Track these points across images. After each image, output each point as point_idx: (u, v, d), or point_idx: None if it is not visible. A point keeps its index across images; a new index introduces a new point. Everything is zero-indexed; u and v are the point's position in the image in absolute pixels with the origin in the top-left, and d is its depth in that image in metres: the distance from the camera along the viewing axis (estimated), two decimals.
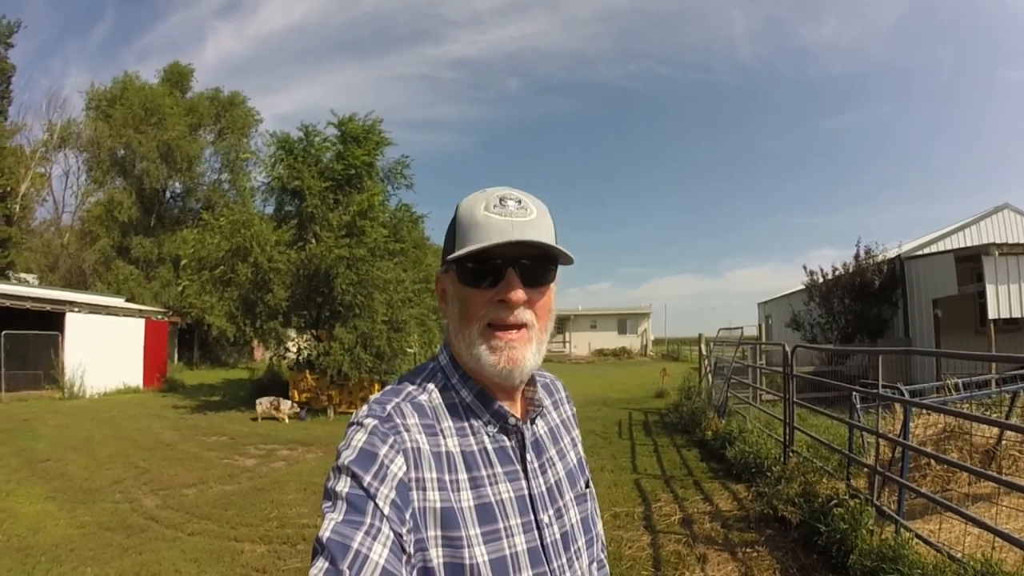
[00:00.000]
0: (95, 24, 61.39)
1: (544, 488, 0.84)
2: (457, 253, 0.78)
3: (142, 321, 19.34)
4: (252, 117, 31.51)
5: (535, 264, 0.81)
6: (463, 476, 0.77)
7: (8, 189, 25.64)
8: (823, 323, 15.44)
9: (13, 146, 27.41)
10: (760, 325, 12.43)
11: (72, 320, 16.57)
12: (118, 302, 21.39)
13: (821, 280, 15.86)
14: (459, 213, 0.82)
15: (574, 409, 1.07)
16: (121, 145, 27.27)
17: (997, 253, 11.91)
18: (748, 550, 4.46)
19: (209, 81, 65.51)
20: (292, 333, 13.87)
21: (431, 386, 0.83)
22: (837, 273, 15.42)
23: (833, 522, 4.18)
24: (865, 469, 4.73)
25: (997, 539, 3.18)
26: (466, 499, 0.75)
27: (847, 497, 4.49)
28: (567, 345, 37.25)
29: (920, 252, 15.34)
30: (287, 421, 11.38)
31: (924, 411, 5.06)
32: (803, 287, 17.19)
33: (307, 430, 10.71)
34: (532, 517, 0.80)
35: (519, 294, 0.79)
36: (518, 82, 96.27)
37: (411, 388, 0.83)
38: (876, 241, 15.82)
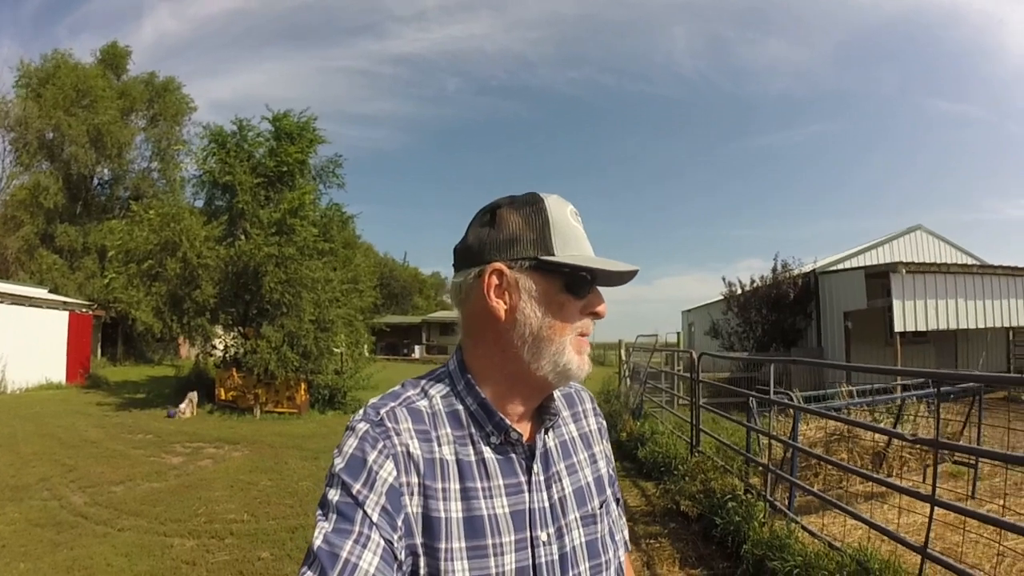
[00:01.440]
0: None
1: (547, 504, 0.80)
2: (594, 264, 0.78)
3: (66, 314, 18.54)
4: (186, 104, 30.44)
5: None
6: (455, 486, 0.74)
7: None
8: (740, 332, 16.25)
9: None
10: (679, 333, 13.00)
11: None
12: (41, 293, 20.38)
13: (739, 291, 16.69)
14: (552, 213, 0.81)
15: (603, 423, 1.01)
16: (50, 127, 25.89)
17: (904, 271, 12.85)
18: (651, 542, 4.78)
19: (145, 62, 62.80)
20: (219, 330, 13.63)
21: (433, 392, 0.81)
22: (755, 285, 16.25)
23: (728, 515, 4.55)
24: (760, 468, 5.11)
25: (883, 534, 3.54)
26: (455, 510, 0.73)
27: (742, 493, 4.86)
28: None
29: (834, 268, 16.39)
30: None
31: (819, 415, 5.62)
32: (722, 297, 18.04)
33: (234, 428, 10.64)
34: (528, 534, 0.76)
35: (606, 307, 0.83)
36: (458, 82, 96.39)
37: (411, 392, 0.81)
38: (793, 256, 16.83)
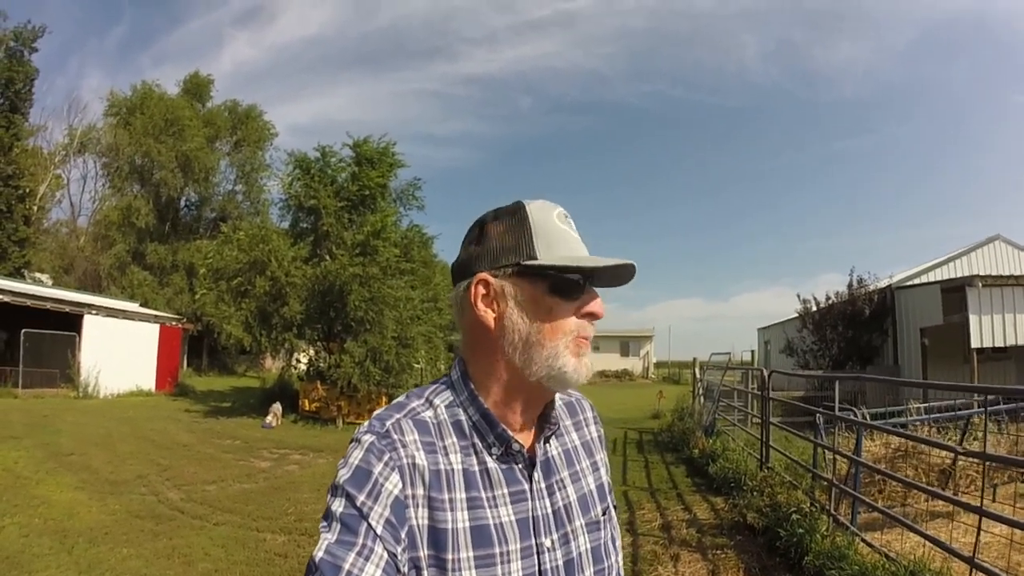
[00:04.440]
0: (113, 27, 62.63)
1: (550, 511, 0.81)
2: (579, 263, 0.78)
3: (156, 326, 19.98)
4: (268, 131, 32.41)
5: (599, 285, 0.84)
6: (461, 496, 0.75)
7: (27, 190, 26.40)
8: (815, 350, 15.93)
9: (32, 147, 28.25)
10: (753, 351, 12.87)
11: (89, 322, 17.21)
12: (133, 306, 22.05)
13: (814, 308, 16.37)
14: (534, 218, 0.80)
15: (602, 431, 1.01)
16: (140, 153, 28.11)
17: (980, 284, 12.40)
18: (718, 552, 4.88)
19: (224, 88, 66.56)
20: (304, 345, 14.45)
21: (438, 401, 0.81)
22: (830, 302, 15.92)
23: (791, 528, 4.65)
24: (825, 483, 5.18)
25: (934, 544, 3.59)
26: (461, 520, 0.73)
27: (807, 507, 4.95)
28: None
29: (909, 283, 15.90)
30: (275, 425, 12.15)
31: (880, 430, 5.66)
32: (797, 315, 17.74)
33: (317, 437, 11.24)
34: (533, 541, 0.77)
35: (603, 308, 0.81)
36: (531, 100, 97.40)
37: (416, 404, 0.81)
38: (869, 271, 16.37)
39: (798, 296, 17.17)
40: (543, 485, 0.82)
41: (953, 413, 6.28)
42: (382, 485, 0.71)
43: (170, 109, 28.47)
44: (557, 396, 0.90)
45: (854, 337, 15.01)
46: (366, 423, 0.79)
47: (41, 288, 20.29)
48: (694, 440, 9.17)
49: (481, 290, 0.80)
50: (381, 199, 13.69)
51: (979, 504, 3.15)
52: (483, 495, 0.76)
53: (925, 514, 5.16)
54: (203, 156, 28.45)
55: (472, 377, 0.82)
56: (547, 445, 0.86)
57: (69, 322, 16.99)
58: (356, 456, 0.73)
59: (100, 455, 8.49)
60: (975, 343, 12.21)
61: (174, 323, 21.33)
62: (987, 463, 5.23)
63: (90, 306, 17.94)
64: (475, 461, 0.78)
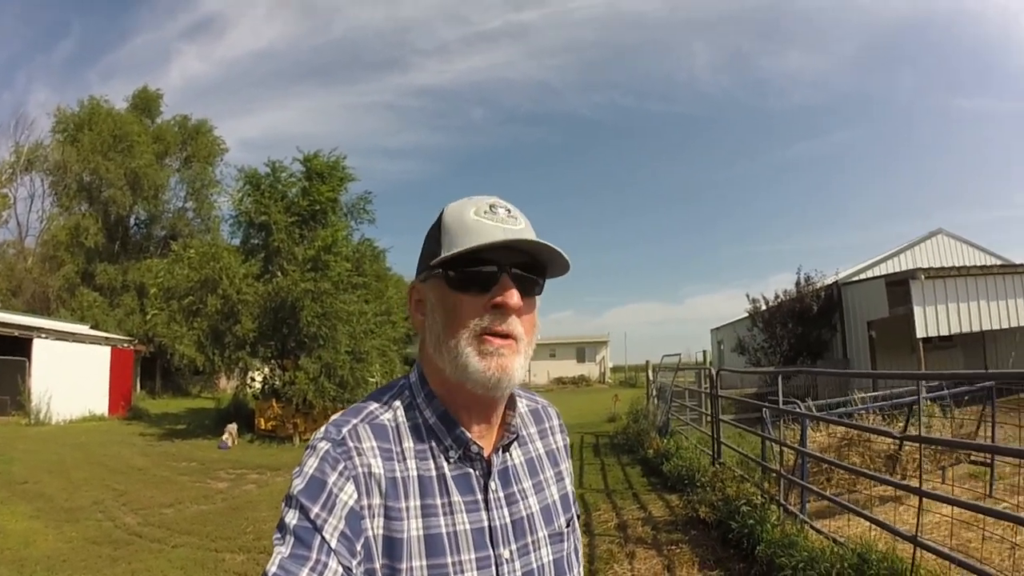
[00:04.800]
0: (60, 41, 60.67)
1: (509, 521, 0.79)
2: (448, 253, 0.75)
3: (108, 348, 19.31)
4: (218, 146, 31.72)
5: (526, 273, 0.79)
6: (416, 503, 0.73)
7: None
8: (766, 347, 16.36)
9: None
10: (705, 351, 13.20)
11: (39, 346, 16.51)
12: (84, 329, 21.29)
13: (764, 307, 16.82)
14: (445, 217, 0.80)
15: (567, 440, 0.99)
16: (88, 171, 27.22)
17: (923, 277, 12.93)
18: (673, 547, 5.00)
19: (175, 103, 65.01)
20: (256, 363, 14.22)
21: (396, 404, 0.80)
22: (779, 300, 16.37)
23: (742, 519, 4.78)
24: (774, 475, 5.35)
25: (878, 526, 3.75)
26: (415, 528, 0.72)
27: (757, 499, 5.08)
28: (527, 374, 37.99)
29: (855, 278, 16.46)
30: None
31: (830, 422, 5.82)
32: (747, 314, 18.17)
33: (274, 456, 11.11)
34: (490, 551, 0.75)
35: (516, 298, 0.76)
36: (484, 111, 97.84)
37: (374, 407, 0.79)
38: (816, 269, 16.88)
39: (747, 296, 17.65)
40: (501, 494, 0.80)
41: (895, 400, 6.52)
42: (337, 496, 0.68)
43: (118, 125, 27.68)
44: (523, 403, 0.90)
45: (803, 333, 15.48)
46: (323, 428, 0.76)
47: None
48: (648, 441, 9.33)
49: (415, 297, 0.85)
50: (332, 213, 13.60)
51: (919, 486, 3.32)
52: (438, 502, 0.74)
53: (874, 499, 5.33)
54: (152, 173, 27.71)
55: (428, 380, 0.82)
56: (507, 454, 0.84)
57: (18, 347, 16.29)
58: (311, 465, 0.71)
59: (54, 482, 8.29)
60: (920, 333, 12.73)
61: (126, 345, 20.67)
62: (925, 446, 5.50)
63: (39, 329, 17.23)
64: (432, 466, 0.76)
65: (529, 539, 0.80)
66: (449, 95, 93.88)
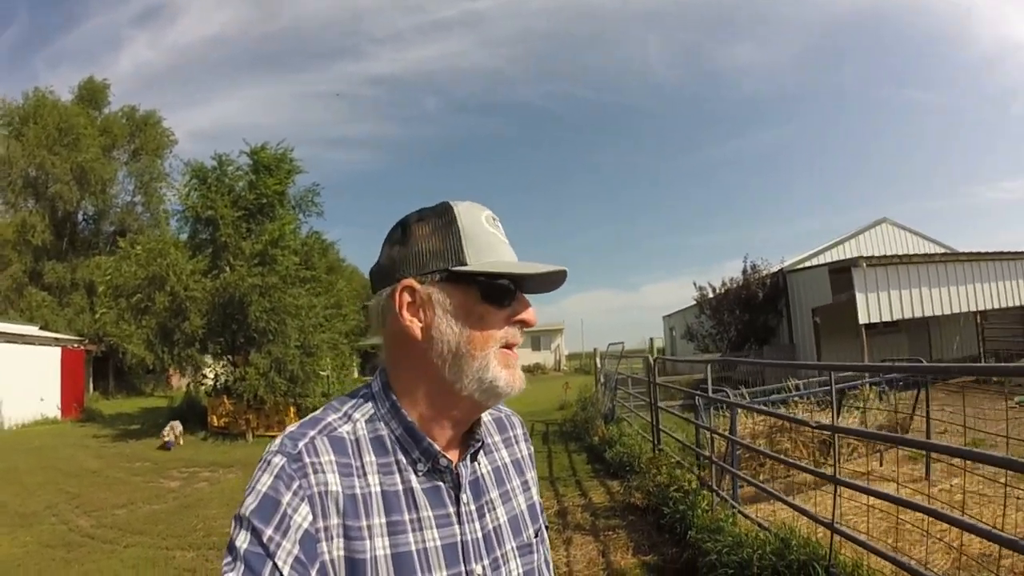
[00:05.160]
0: (5, 28, 58.09)
1: (480, 535, 0.76)
2: (485, 263, 0.74)
3: (58, 350, 18.80)
4: (167, 137, 30.87)
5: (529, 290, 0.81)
6: (380, 521, 0.69)
7: None
8: (714, 334, 16.79)
9: None
10: (651, 339, 13.50)
11: None
12: (32, 330, 20.62)
13: (711, 294, 17.25)
14: (463, 221, 0.76)
15: (531, 449, 0.97)
16: (34, 166, 26.26)
17: (865, 265, 13.21)
18: (609, 533, 5.13)
19: (124, 93, 62.52)
20: (209, 359, 14.06)
21: (357, 415, 0.75)
22: (726, 288, 16.80)
23: (674, 505, 4.93)
24: (706, 461, 5.43)
25: (799, 512, 3.81)
26: (381, 547, 0.68)
27: (689, 485, 5.19)
28: None
29: (800, 266, 16.95)
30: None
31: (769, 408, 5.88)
32: (695, 301, 18.57)
33: (227, 453, 11.15)
34: (463, 568, 0.72)
35: (535, 316, 0.78)
36: (437, 100, 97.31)
37: (332, 418, 0.75)
38: (762, 257, 17.34)
39: (694, 283, 17.99)
40: (472, 507, 0.77)
41: (828, 388, 6.71)
42: (291, 517, 0.64)
43: (64, 117, 26.69)
44: (485, 412, 0.86)
45: (750, 320, 15.90)
46: (278, 440, 0.72)
47: None
48: (594, 428, 9.51)
49: (407, 297, 0.75)
50: (280, 207, 13.46)
51: (834, 473, 3.42)
52: (405, 518, 0.71)
53: (810, 484, 5.35)
54: (99, 167, 26.80)
55: (395, 389, 0.77)
56: (475, 463, 0.81)
57: None
58: (264, 482, 0.66)
59: (7, 488, 8.26)
60: (863, 319, 13.00)
61: (76, 345, 20.12)
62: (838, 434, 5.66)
63: None
64: (398, 480, 0.73)
65: (498, 552, 0.78)
66: (402, 84, 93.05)
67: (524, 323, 0.78)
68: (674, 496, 5.06)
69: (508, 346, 0.77)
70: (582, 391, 12.81)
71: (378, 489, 0.71)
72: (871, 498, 3.45)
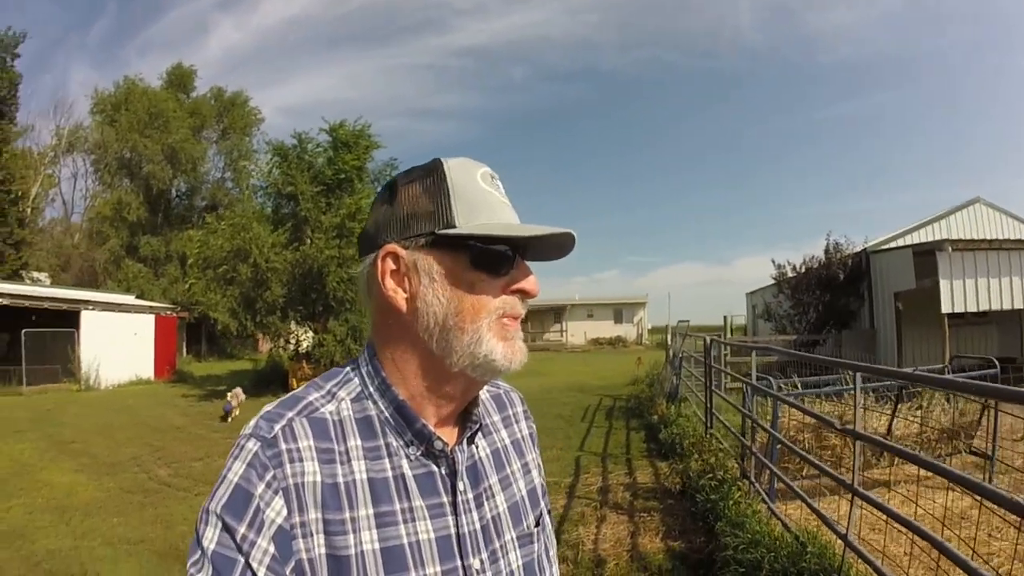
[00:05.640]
0: (96, 20, 62.51)
1: (478, 526, 0.70)
2: (476, 225, 0.67)
3: (152, 317, 20.39)
4: (254, 116, 32.65)
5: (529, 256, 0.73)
6: (366, 512, 0.63)
7: (20, 193, 26.72)
8: (792, 314, 16.16)
9: (21, 149, 28.53)
10: (725, 317, 13.13)
11: (87, 318, 17.59)
12: (129, 299, 22.45)
13: (791, 273, 16.54)
14: (454, 178, 0.69)
15: (533, 428, 0.90)
16: (127, 148, 28.39)
17: (951, 249, 12.19)
18: (644, 515, 5.01)
19: (213, 75, 66.19)
20: (293, 326, 14.83)
21: (342, 394, 0.69)
22: (806, 266, 16.10)
23: (706, 494, 4.76)
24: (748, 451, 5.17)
25: (817, 515, 3.49)
26: (368, 541, 0.62)
27: (725, 474, 5.01)
28: (564, 334, 37.96)
29: (885, 246, 16.00)
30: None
31: (822, 400, 5.58)
32: (773, 280, 17.80)
33: None
34: (459, 563, 0.67)
35: (537, 285, 0.71)
36: (524, 69, 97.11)
37: (314, 396, 0.68)
38: (845, 235, 16.35)
39: (772, 261, 17.16)
40: (470, 495, 0.71)
41: (887, 383, 6.01)
42: (264, 512, 0.59)
43: (154, 103, 28.66)
44: (483, 389, 0.79)
45: (831, 301, 15.15)
46: (253, 421, 0.66)
47: (39, 288, 20.73)
48: (655, 407, 9.38)
49: (390, 264, 0.68)
50: (358, 181, 13.95)
51: (851, 481, 3.08)
52: (396, 507, 0.65)
53: (856, 483, 5.07)
54: (189, 147, 28.73)
55: (384, 365, 0.70)
56: (472, 446, 0.75)
57: (68, 319, 17.41)
58: (235, 471, 0.61)
59: (100, 442, 9.02)
60: (945, 308, 12.12)
61: (169, 313, 21.74)
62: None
63: (87, 302, 18.37)
64: (388, 466, 0.66)
65: (497, 544, 0.72)
66: (488, 54, 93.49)
67: (524, 293, 0.71)
68: (707, 484, 4.92)
69: (507, 316, 0.69)
70: (653, 367, 12.68)
71: (364, 476, 0.65)
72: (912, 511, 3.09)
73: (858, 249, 15.61)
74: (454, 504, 0.69)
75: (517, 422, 0.86)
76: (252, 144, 31.10)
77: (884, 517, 3.14)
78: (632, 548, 4.36)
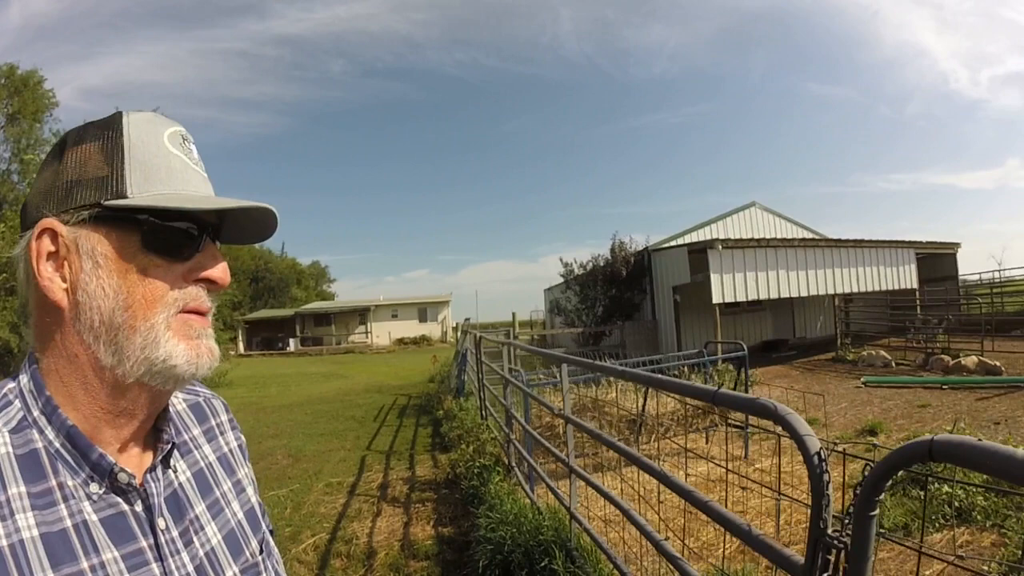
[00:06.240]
0: None
1: (191, 568, 0.59)
2: (151, 195, 0.55)
3: None
4: (48, 99, 28.31)
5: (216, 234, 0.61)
6: None
7: None
8: (580, 308, 17.54)
9: None
10: (513, 313, 14.02)
11: None
12: None
13: (577, 271, 17.88)
14: (131, 135, 0.56)
15: (242, 439, 0.79)
16: None
17: (721, 247, 13.85)
18: (419, 505, 5.27)
19: (12, 45, 56.10)
20: None
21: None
22: (592, 264, 17.47)
23: (469, 480, 5.12)
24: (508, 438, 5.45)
25: (552, 493, 3.78)
26: None
27: (485, 460, 5.35)
28: (369, 336, 38.03)
29: (665, 245, 17.81)
30: None
31: (579, 386, 6.29)
32: (561, 277, 19.01)
33: None
34: None
35: (227, 273, 0.60)
36: (343, 63, 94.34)
37: None
38: (630, 235, 18.41)
39: (560, 259, 18.35)
40: (175, 533, 0.59)
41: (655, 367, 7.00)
42: None
43: None
44: (176, 398, 0.70)
45: (616, 295, 16.67)
46: None
47: None
48: (443, 402, 9.76)
49: (46, 244, 0.55)
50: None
51: (567, 459, 3.45)
52: (83, 566, 0.51)
53: (614, 462, 5.26)
54: None
55: (47, 378, 0.56)
56: (168, 472, 0.63)
57: None
58: None
59: None
60: (716, 299, 13.63)
61: None
62: (691, 409, 5.55)
63: None
64: (64, 514, 0.52)
65: None
66: (308, 45, 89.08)
67: (211, 283, 0.60)
68: (471, 472, 5.25)
69: (189, 311, 0.58)
70: (445, 365, 13.15)
71: (35, 533, 0.50)
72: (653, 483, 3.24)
73: (641, 248, 17.34)
74: (157, 547, 0.57)
75: (223, 433, 0.75)
76: (43, 132, 27.06)
77: (634, 487, 3.66)
78: (404, 537, 4.57)
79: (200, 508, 0.64)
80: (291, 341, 36.95)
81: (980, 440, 0.84)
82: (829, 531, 1.12)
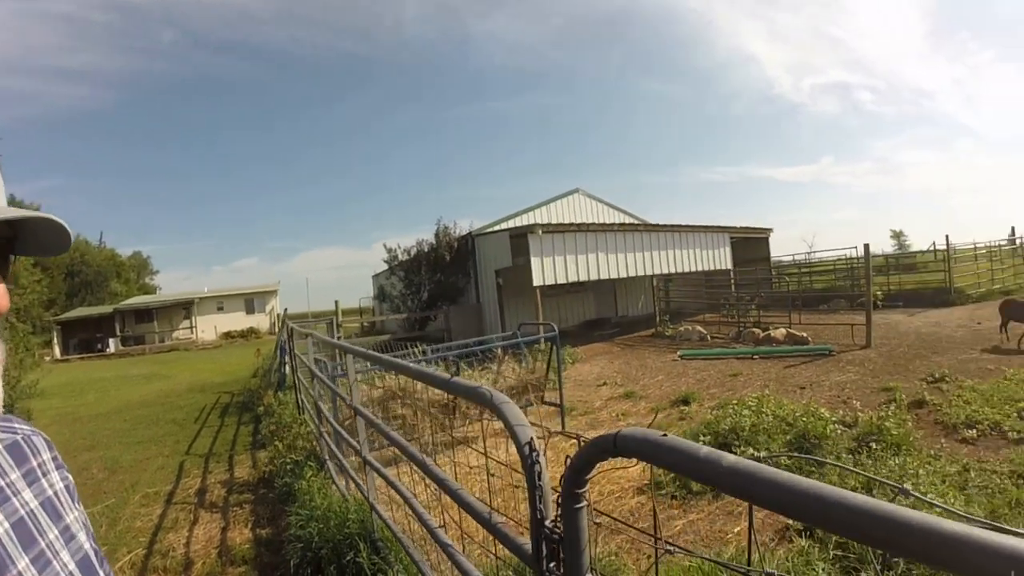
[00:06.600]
0: None
1: None
2: None
3: None
4: None
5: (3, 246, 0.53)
6: None
7: None
8: (405, 294, 17.58)
9: None
10: (336, 301, 13.90)
11: None
12: None
13: (401, 256, 17.85)
14: None
15: (69, 477, 0.71)
16: None
17: (541, 232, 14.23)
18: (237, 508, 5.13)
19: None
20: None
21: None
22: (417, 249, 17.49)
23: (282, 477, 5.00)
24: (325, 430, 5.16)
25: (357, 487, 3.75)
26: None
27: (297, 456, 5.26)
28: (194, 330, 35.87)
29: (489, 230, 17.97)
30: None
31: (392, 373, 5.88)
32: (385, 264, 18.93)
33: None
34: None
35: (6, 298, 0.54)
36: (174, 33, 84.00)
37: None
38: (454, 220, 18.25)
39: (384, 245, 18.40)
40: None
41: (465, 351, 7.06)
42: None
43: None
44: None
45: (441, 280, 16.96)
46: None
47: None
48: (264, 398, 9.46)
49: None
50: None
51: (359, 449, 3.37)
52: None
53: (440, 446, 5.22)
54: None
55: None
56: None
57: None
58: None
59: None
60: (536, 281, 14.11)
61: None
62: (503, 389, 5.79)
63: None
64: None
65: None
66: (138, 12, 78.07)
67: None
68: (277, 469, 5.21)
69: None
70: (265, 359, 12.78)
71: None
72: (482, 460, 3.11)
73: (465, 233, 17.60)
74: None
75: (46, 475, 0.66)
76: None
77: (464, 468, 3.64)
78: (221, 544, 4.43)
79: (23, 563, 0.55)
80: (111, 341, 33.38)
81: (665, 435, 0.81)
82: (547, 522, 1.11)
